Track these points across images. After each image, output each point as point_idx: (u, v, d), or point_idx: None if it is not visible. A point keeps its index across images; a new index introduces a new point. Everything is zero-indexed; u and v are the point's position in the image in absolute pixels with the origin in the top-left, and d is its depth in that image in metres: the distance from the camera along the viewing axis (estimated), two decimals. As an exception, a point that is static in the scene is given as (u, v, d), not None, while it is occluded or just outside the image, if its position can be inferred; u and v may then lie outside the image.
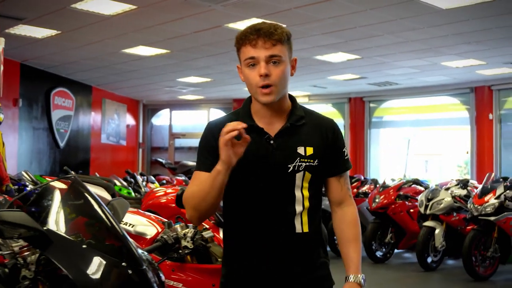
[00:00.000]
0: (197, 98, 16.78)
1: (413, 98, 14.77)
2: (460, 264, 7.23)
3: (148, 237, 3.01)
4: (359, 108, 15.30)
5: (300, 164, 2.06)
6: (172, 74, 12.79)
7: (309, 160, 2.07)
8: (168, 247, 2.76)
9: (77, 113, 14.11)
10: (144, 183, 10.73)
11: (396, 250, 8.55)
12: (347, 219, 2.16)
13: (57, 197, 2.21)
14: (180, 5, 7.48)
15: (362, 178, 11.30)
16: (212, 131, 2.10)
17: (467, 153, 13.68)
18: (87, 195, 2.15)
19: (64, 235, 2.02)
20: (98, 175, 9.67)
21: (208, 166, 2.05)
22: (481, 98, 13.08)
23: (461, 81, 12.98)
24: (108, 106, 15.68)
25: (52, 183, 2.31)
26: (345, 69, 11.79)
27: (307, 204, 2.08)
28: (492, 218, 6.83)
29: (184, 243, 2.81)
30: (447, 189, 7.85)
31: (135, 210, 3.29)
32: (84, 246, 2.01)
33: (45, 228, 1.98)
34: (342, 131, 2.20)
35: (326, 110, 15.40)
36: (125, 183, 10.04)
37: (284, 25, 2.15)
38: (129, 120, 17.06)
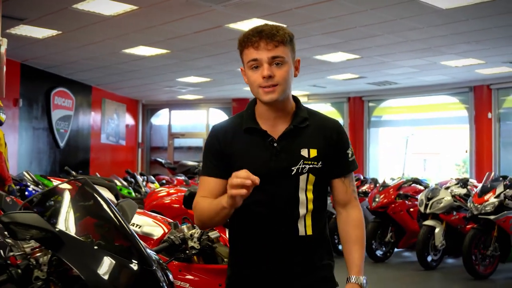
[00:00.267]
0: (196, 98, 16.79)
1: (412, 98, 14.81)
2: (460, 263, 7.27)
3: (155, 237, 3.03)
4: (358, 107, 15.34)
5: (303, 166, 2.05)
6: (172, 74, 12.81)
7: (313, 162, 2.06)
8: (175, 247, 2.78)
9: (77, 113, 14.13)
10: (144, 183, 10.76)
11: (396, 249, 8.58)
12: (351, 221, 2.15)
13: (65, 198, 2.23)
14: (181, 6, 7.50)
15: (362, 177, 11.33)
16: (217, 135, 2.13)
17: (466, 152, 13.72)
18: (97, 196, 2.17)
19: (75, 236, 2.04)
20: (98, 175, 9.69)
21: (213, 171, 2.10)
22: (480, 97, 13.12)
23: (460, 80, 13.02)
24: (107, 106, 15.70)
25: (60, 186, 2.33)
26: (344, 68, 11.83)
27: (311, 206, 2.08)
28: (492, 217, 6.86)
29: (191, 243, 2.83)
30: (447, 188, 7.88)
31: (142, 211, 3.31)
32: (95, 247, 2.03)
33: (57, 229, 2.00)
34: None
35: (325, 109, 15.43)
36: (125, 183, 10.06)
37: (284, 25, 2.15)
38: (129, 120, 17.07)
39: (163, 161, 16.10)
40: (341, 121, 15.24)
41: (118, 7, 7.65)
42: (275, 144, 2.06)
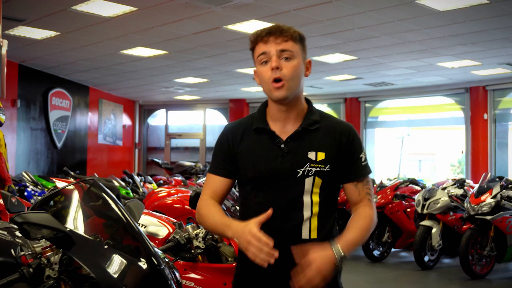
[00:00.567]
0: (193, 99, 16.81)
1: (408, 98, 14.87)
2: (457, 263, 7.32)
3: (160, 237, 3.07)
4: (354, 108, 15.39)
5: (310, 169, 2.04)
6: (169, 74, 12.83)
7: (320, 166, 2.04)
8: (180, 247, 2.82)
9: (74, 114, 14.13)
10: (141, 183, 10.78)
11: (393, 249, 8.62)
12: (360, 213, 2.11)
13: (74, 198, 2.27)
14: (180, 7, 7.53)
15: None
16: (227, 134, 2.16)
17: (463, 152, 13.79)
18: (106, 197, 2.21)
19: (85, 235, 2.08)
20: (97, 175, 9.71)
21: (220, 170, 2.15)
22: (476, 98, 13.19)
23: (457, 82, 13.10)
24: (104, 106, 15.70)
25: (69, 187, 2.36)
26: (341, 69, 11.88)
27: (316, 209, 2.06)
28: (488, 217, 6.90)
29: (196, 243, 2.87)
30: (444, 188, 7.94)
31: (146, 211, 3.34)
32: (105, 247, 2.07)
33: (67, 229, 2.04)
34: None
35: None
36: (123, 183, 10.07)
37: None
38: (125, 120, 17.08)
39: (160, 161, 16.11)
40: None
41: (116, 8, 7.67)
42: (282, 146, 2.07)
